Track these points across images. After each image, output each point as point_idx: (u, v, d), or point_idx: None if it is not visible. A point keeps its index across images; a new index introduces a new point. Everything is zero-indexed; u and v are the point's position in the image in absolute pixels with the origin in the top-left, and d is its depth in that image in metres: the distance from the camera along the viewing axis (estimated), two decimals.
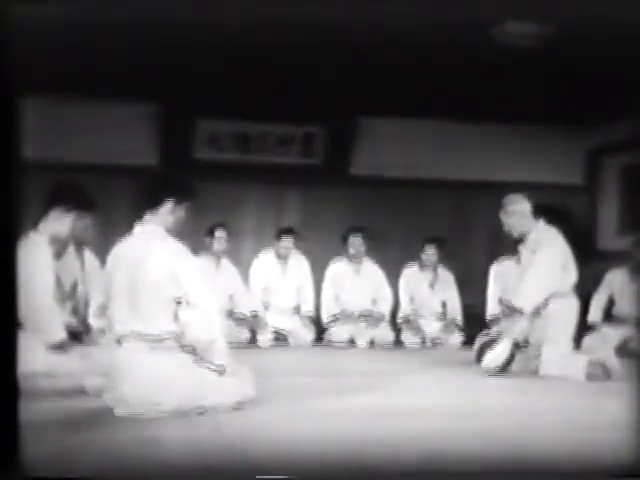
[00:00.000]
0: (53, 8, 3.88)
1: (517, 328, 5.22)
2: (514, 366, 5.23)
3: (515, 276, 5.64)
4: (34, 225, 4.39)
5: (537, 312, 5.24)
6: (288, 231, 7.43)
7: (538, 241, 5.31)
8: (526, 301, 5.22)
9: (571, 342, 5.28)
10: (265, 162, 8.13)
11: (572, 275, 5.34)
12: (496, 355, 5.23)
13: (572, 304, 5.34)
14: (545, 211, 5.53)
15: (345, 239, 7.45)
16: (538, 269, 5.23)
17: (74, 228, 4.49)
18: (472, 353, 5.68)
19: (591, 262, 5.79)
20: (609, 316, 6.88)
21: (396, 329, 7.41)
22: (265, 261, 7.48)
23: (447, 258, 7.61)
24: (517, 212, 5.36)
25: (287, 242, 7.36)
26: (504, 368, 5.19)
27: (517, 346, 6.70)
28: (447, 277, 7.64)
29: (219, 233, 7.07)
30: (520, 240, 5.43)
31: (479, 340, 5.66)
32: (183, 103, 7.61)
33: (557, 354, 5.12)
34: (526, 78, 6.67)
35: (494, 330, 5.82)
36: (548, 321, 5.21)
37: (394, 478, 2.81)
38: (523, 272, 5.38)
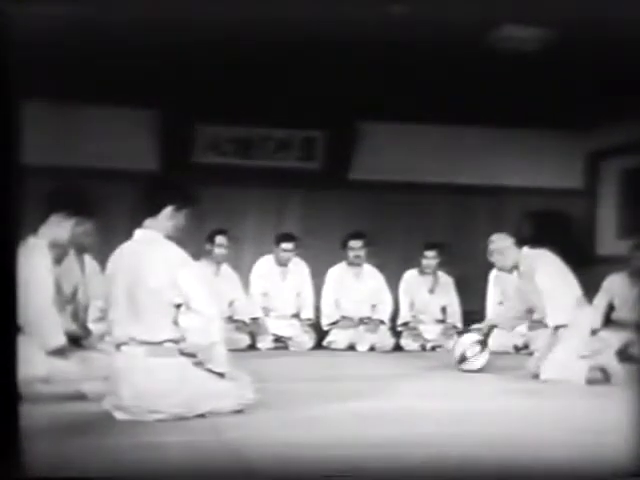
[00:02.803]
0: (53, 10, 3.88)
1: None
2: (514, 369, 5.27)
3: (513, 288, 5.78)
4: (34, 230, 4.39)
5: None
6: (288, 237, 7.42)
7: (531, 267, 5.39)
8: (561, 317, 5.26)
9: (582, 351, 5.24)
10: (265, 166, 8.13)
11: (574, 286, 5.37)
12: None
13: (585, 313, 5.36)
14: (541, 220, 5.60)
15: (345, 244, 7.45)
16: (552, 287, 5.29)
17: (74, 233, 4.49)
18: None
19: (590, 267, 5.78)
20: (609, 321, 6.87)
21: (396, 334, 7.41)
22: (265, 267, 7.48)
23: (447, 263, 7.61)
24: (501, 249, 5.46)
25: (287, 247, 7.36)
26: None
27: (517, 349, 6.85)
28: (447, 282, 7.65)
29: (220, 239, 7.06)
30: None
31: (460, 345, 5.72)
32: (183, 108, 7.61)
33: (560, 359, 5.12)
34: (525, 82, 6.68)
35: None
36: (561, 331, 5.23)
37: None
38: (526, 296, 5.51)
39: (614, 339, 6.44)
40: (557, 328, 5.24)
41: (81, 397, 4.03)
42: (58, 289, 4.41)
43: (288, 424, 3.66)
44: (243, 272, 7.44)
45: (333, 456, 3.04)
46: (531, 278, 5.35)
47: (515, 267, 5.50)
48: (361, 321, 7.37)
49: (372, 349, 7.18)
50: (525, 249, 5.47)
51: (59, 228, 4.44)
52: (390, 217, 8.37)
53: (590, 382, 5.04)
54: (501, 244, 5.47)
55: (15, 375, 2.65)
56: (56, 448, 3.04)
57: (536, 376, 5.21)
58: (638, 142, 7.09)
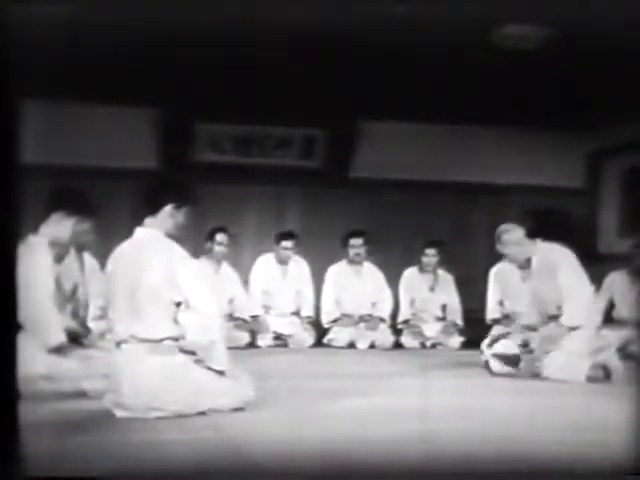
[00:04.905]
0: (53, 10, 3.88)
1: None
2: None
3: (518, 289, 5.67)
4: (34, 229, 4.39)
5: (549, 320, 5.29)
6: (288, 235, 7.43)
7: (550, 262, 5.27)
8: (578, 319, 5.18)
9: (583, 349, 5.22)
10: (265, 165, 8.13)
11: (589, 284, 5.34)
12: (507, 346, 5.22)
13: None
14: (542, 219, 5.52)
15: (345, 242, 7.45)
16: (574, 286, 5.20)
17: (74, 232, 4.49)
18: (472, 355, 5.71)
19: (592, 265, 5.76)
20: (609, 319, 6.86)
21: (396, 332, 7.42)
22: (265, 264, 7.49)
23: (447, 261, 7.62)
24: (513, 241, 5.32)
25: (287, 246, 7.36)
26: (513, 361, 5.21)
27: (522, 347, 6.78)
28: (447, 280, 7.65)
29: (220, 237, 7.06)
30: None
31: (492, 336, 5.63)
32: (183, 106, 7.61)
33: (561, 357, 5.12)
34: (526, 81, 6.67)
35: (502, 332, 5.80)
36: (564, 330, 5.21)
37: None
38: (539, 294, 5.36)
39: (615, 337, 6.45)
40: (572, 329, 5.16)
41: (81, 395, 4.04)
42: (58, 287, 4.41)
43: (288, 422, 3.66)
44: (243, 270, 7.45)
45: (333, 453, 3.04)
46: (551, 274, 5.23)
47: (528, 261, 5.35)
48: (361, 319, 7.38)
49: (372, 347, 7.19)
50: (539, 242, 5.35)
51: (60, 227, 4.43)
52: (390, 215, 8.37)
53: (591, 380, 5.03)
54: (517, 234, 5.31)
55: (15, 373, 2.65)
56: (56, 445, 3.04)
57: (537, 374, 5.20)
58: (639, 141, 7.09)
